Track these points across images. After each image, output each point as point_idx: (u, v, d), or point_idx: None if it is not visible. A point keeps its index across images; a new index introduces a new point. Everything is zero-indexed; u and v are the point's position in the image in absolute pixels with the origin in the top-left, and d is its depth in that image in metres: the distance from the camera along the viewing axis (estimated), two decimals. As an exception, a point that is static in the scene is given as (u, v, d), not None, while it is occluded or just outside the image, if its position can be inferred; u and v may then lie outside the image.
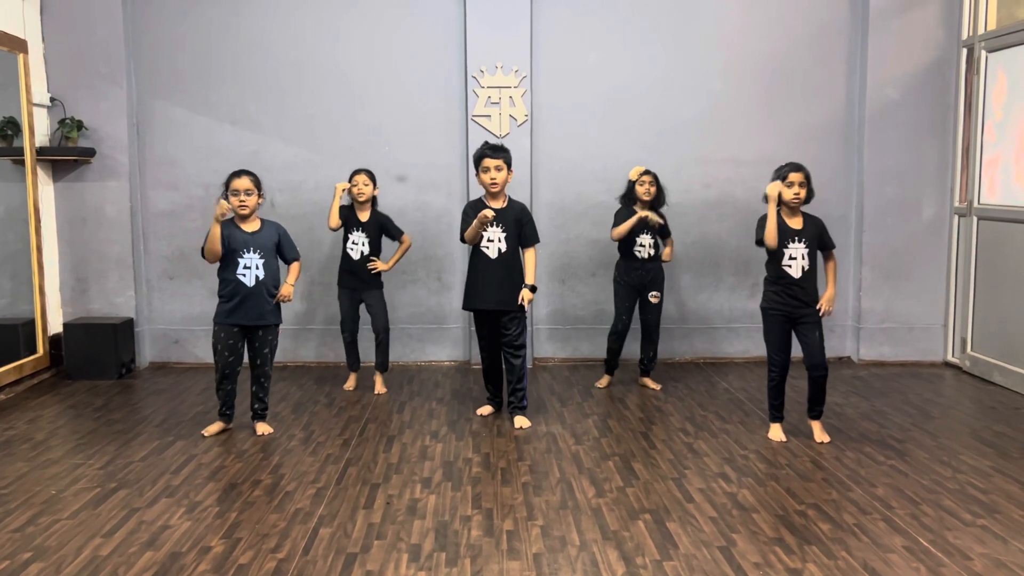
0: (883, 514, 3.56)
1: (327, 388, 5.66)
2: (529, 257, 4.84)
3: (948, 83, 6.18)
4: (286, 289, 4.61)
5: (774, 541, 3.31)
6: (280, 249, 4.65)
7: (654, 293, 5.46)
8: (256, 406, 4.71)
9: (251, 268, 4.48)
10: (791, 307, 4.38)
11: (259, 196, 4.54)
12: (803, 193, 4.31)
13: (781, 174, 4.33)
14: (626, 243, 5.44)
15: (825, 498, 3.73)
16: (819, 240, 4.40)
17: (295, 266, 4.73)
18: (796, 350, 4.47)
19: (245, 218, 4.52)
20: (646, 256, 5.42)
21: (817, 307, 4.38)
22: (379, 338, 5.51)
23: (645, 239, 5.40)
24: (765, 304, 4.47)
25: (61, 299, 6.17)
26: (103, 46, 5.99)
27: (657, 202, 5.42)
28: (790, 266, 4.36)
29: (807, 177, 4.33)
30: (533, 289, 4.79)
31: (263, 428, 4.70)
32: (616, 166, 6.12)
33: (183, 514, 3.58)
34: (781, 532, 3.39)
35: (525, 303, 4.76)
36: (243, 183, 4.46)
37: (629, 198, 5.43)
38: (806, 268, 4.35)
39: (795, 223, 4.38)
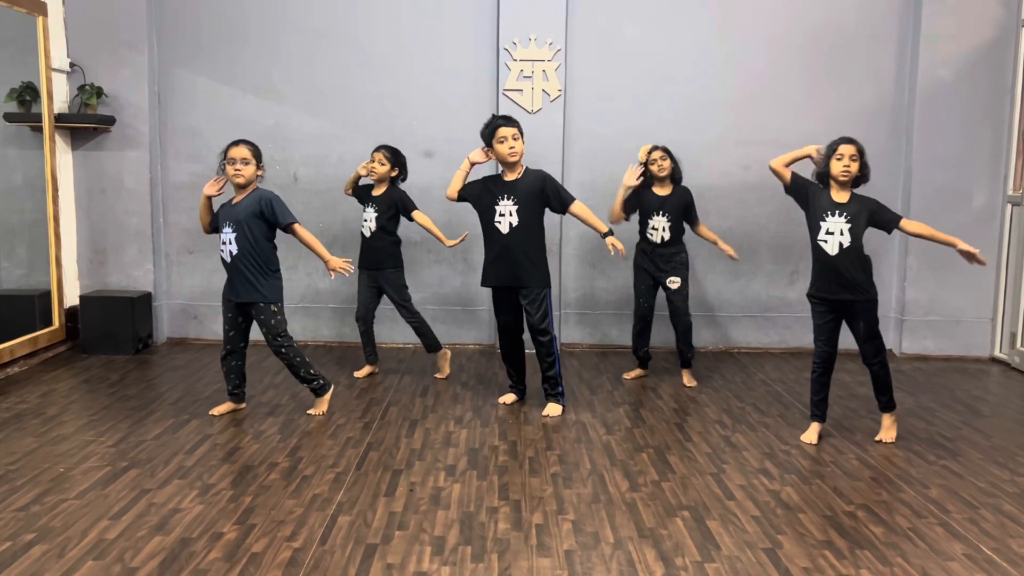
0: (939, 518, 3.33)
1: (348, 369, 5.47)
2: (583, 211, 4.52)
3: (1005, 64, 5.86)
4: (333, 263, 4.29)
5: (823, 544, 3.08)
6: (266, 219, 4.28)
7: (673, 279, 5.10)
8: (307, 382, 4.52)
9: (227, 244, 4.29)
10: (830, 293, 4.04)
11: (258, 168, 4.32)
12: (853, 167, 3.96)
13: (832, 147, 4.01)
14: (640, 224, 5.14)
15: (875, 499, 3.50)
16: (869, 219, 4.01)
17: (303, 234, 4.31)
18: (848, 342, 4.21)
19: (242, 189, 4.32)
20: (658, 240, 5.08)
21: (969, 251, 3.91)
22: (412, 324, 5.22)
23: (658, 221, 5.05)
24: (808, 289, 4.18)
25: (78, 271, 6.03)
26: (125, 11, 5.81)
27: (673, 177, 5.07)
28: (826, 241, 4.00)
29: (860, 152, 3.99)
30: (608, 233, 4.51)
31: (314, 408, 4.55)
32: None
33: (195, 497, 3.40)
34: (830, 534, 3.16)
35: (617, 248, 4.43)
36: (239, 151, 4.25)
37: (644, 179, 5.08)
38: (845, 245, 3.97)
39: (840, 197, 4.03)
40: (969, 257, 3.96)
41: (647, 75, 6.03)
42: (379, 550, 2.98)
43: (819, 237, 4.04)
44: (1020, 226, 5.75)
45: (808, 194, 4.11)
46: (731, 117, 6.04)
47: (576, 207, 4.53)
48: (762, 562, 2.93)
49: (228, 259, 4.31)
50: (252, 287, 4.30)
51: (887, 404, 4.24)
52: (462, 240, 5.10)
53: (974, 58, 5.87)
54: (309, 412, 4.53)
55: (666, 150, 5.04)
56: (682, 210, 5.09)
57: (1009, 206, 5.90)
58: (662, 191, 5.08)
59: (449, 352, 5.43)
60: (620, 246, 4.46)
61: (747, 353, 6.16)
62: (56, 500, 3.35)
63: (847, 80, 6.03)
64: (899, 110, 6.05)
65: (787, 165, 4.16)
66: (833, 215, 4.01)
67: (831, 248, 4.01)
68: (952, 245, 3.99)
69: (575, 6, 5.93)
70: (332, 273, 4.33)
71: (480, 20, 5.98)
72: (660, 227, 5.06)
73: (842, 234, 3.99)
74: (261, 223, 4.28)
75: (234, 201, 4.33)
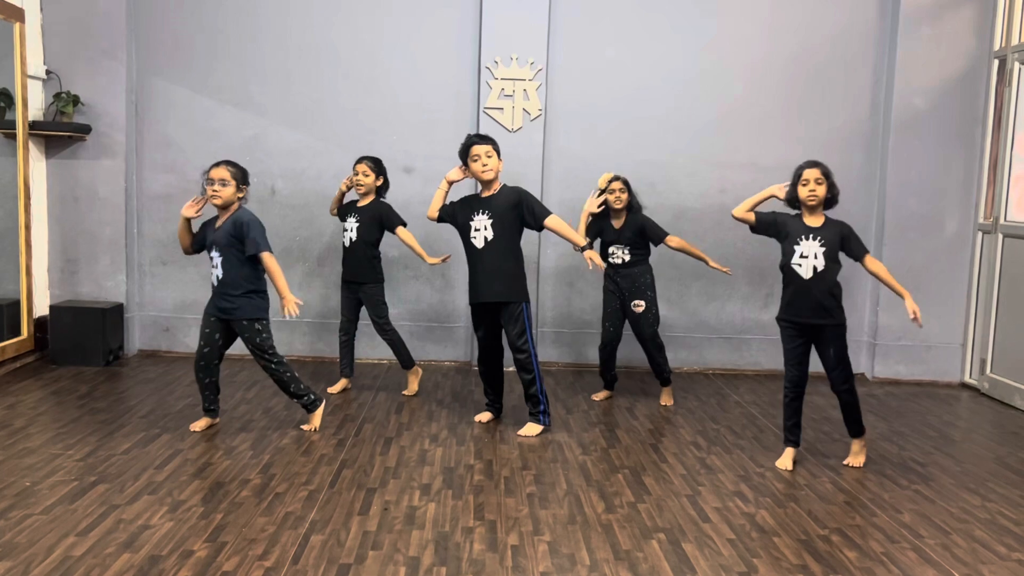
0: (912, 543, 3.35)
1: (322, 384, 5.42)
2: (559, 224, 4.48)
3: (977, 94, 5.97)
4: (287, 302, 4.17)
5: (798, 568, 3.08)
6: (243, 243, 4.20)
7: (636, 303, 5.08)
8: (297, 398, 4.47)
9: (215, 268, 4.27)
10: (800, 316, 4.04)
11: (239, 189, 4.25)
12: (820, 191, 3.96)
13: (797, 172, 4.02)
14: (600, 250, 5.12)
15: (849, 523, 3.52)
16: (841, 245, 4.03)
17: (269, 264, 4.21)
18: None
19: (223, 210, 4.28)
20: (619, 262, 5.07)
21: (912, 318, 3.90)
22: (386, 340, 5.21)
23: (616, 248, 5.06)
24: (778, 313, 4.19)
25: (49, 280, 5.93)
26: (104, 19, 5.76)
27: (630, 209, 5.05)
28: (800, 264, 4.00)
29: (825, 174, 3.98)
30: (587, 247, 4.49)
31: (308, 424, 4.51)
32: (630, 166, 5.90)
33: (165, 513, 3.34)
34: (805, 559, 3.16)
35: (595, 262, 4.41)
36: (218, 172, 4.21)
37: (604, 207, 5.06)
38: (819, 269, 3.98)
39: (814, 221, 4.04)
40: (913, 314, 3.91)
41: (627, 96, 6.07)
42: (352, 570, 2.94)
43: (793, 261, 4.04)
44: (990, 253, 5.84)
45: (777, 223, 4.12)
46: (709, 140, 6.09)
47: (551, 221, 4.48)
48: (737, 586, 2.93)
49: (215, 282, 4.29)
50: (235, 307, 4.27)
51: (857, 430, 4.25)
52: (444, 260, 5.09)
53: (948, 87, 5.98)
54: (303, 427, 4.48)
55: (626, 182, 5.02)
56: (638, 236, 5.07)
57: (980, 233, 5.99)
58: (617, 222, 5.07)
59: (421, 371, 5.40)
60: (599, 260, 4.47)
61: (721, 375, 6.19)
62: (21, 515, 3.28)
63: (823, 106, 6.11)
64: (874, 137, 6.14)
65: (750, 209, 4.15)
66: (808, 239, 4.02)
67: (805, 271, 4.01)
68: (901, 296, 3.97)
69: (557, 27, 5.97)
70: (283, 311, 4.18)
71: (462, 38, 5.99)
72: (619, 253, 5.08)
73: (816, 258, 4.00)
74: (241, 245, 4.22)
75: (217, 224, 4.28)
